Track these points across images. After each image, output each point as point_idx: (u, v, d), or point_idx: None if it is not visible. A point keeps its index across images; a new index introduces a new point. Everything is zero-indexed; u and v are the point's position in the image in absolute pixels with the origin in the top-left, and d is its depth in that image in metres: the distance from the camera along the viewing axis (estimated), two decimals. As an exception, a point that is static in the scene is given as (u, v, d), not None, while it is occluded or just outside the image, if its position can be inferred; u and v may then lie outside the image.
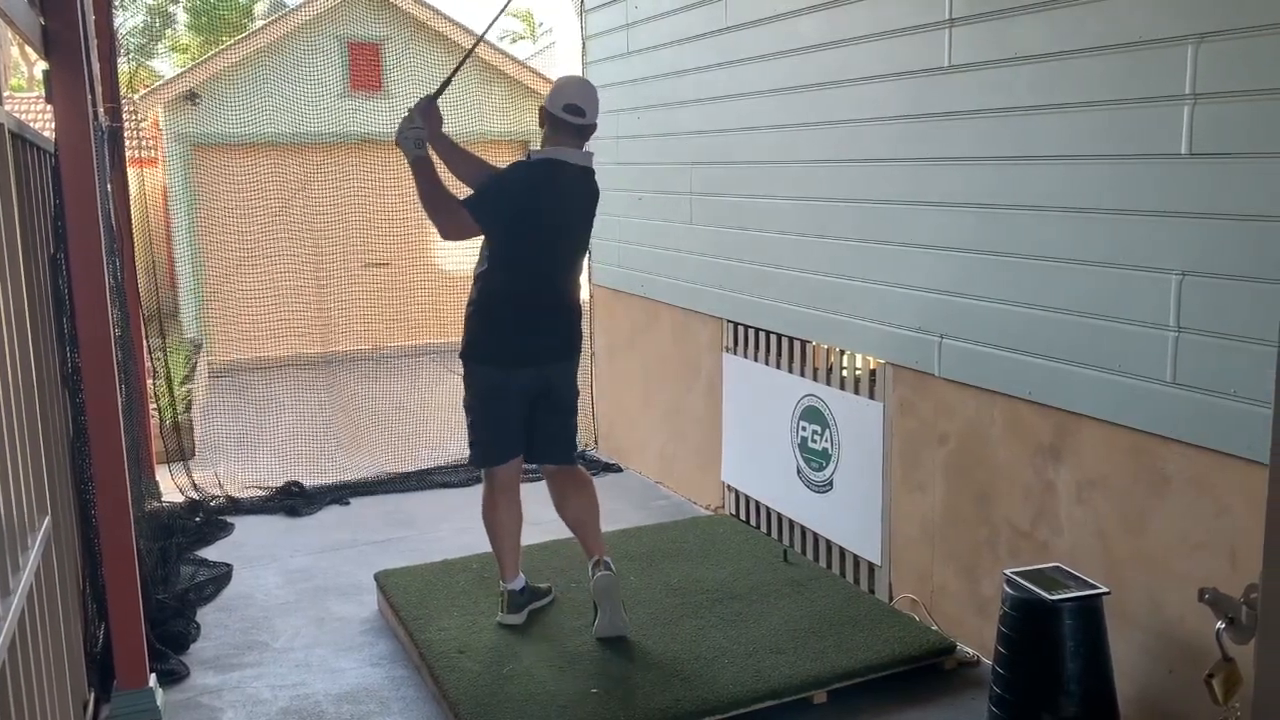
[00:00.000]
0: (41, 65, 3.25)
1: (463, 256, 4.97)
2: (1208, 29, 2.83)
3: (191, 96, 9.93)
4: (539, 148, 3.88)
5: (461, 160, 4.04)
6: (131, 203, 6.10)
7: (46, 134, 3.45)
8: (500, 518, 3.97)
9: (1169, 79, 2.94)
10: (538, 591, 4.11)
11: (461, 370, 3.91)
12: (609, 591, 3.82)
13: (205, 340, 9.98)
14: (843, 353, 4.53)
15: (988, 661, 3.60)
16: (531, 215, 3.74)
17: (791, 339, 4.84)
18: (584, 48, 6.50)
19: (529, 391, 3.85)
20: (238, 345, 9.97)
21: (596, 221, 4.01)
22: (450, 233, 3.76)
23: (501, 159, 4.12)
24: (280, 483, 6.14)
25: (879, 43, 4.03)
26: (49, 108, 3.25)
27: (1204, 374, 2.93)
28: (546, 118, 3.82)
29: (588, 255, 3.91)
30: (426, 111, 3.78)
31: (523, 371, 3.83)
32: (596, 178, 3.93)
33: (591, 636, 3.83)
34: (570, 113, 3.77)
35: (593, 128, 3.85)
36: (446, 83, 3.88)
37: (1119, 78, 3.10)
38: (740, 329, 5.24)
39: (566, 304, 3.90)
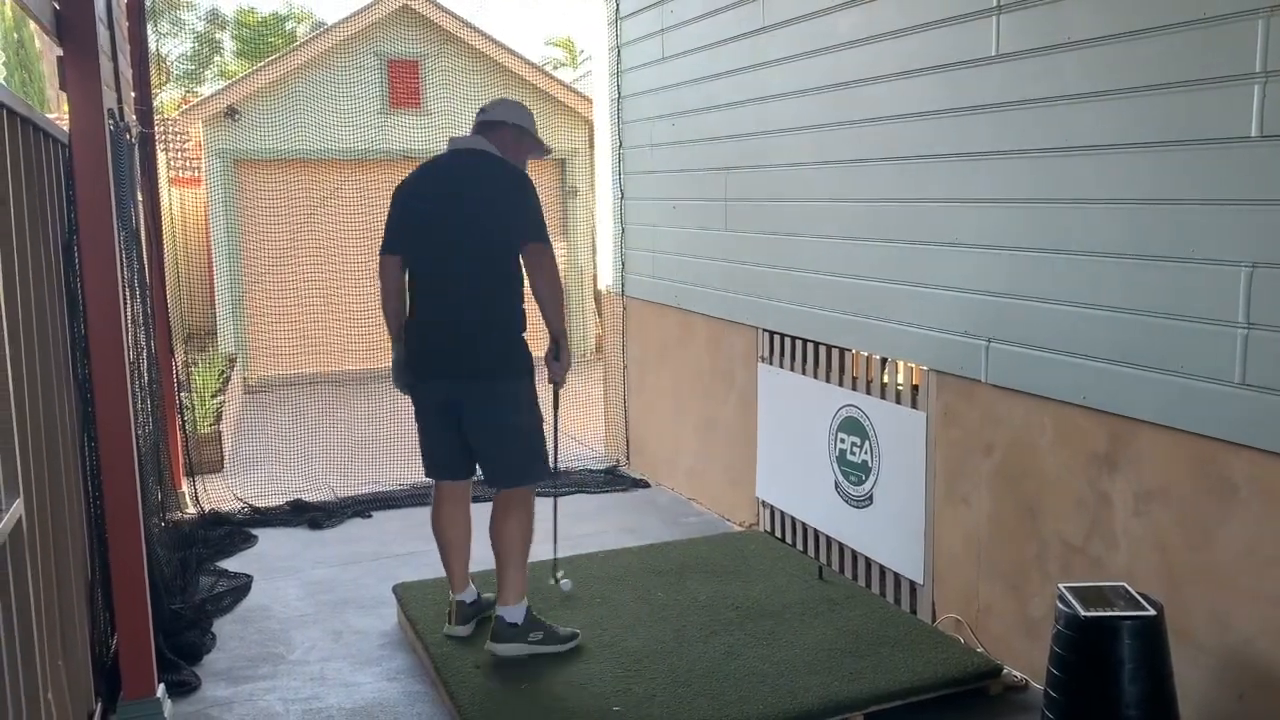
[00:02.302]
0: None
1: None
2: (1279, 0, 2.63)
3: (231, 112, 9.98)
4: None
5: None
6: (172, 220, 6.06)
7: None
8: (438, 529, 3.95)
9: (1237, 56, 2.74)
10: (485, 604, 3.98)
11: None
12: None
13: (240, 354, 9.97)
14: (884, 361, 4.33)
15: (1037, 686, 3.40)
16: (410, 228, 3.75)
17: (830, 347, 4.65)
18: (618, 55, 6.39)
19: (444, 408, 3.74)
20: (273, 360, 9.95)
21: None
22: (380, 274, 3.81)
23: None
24: (307, 496, 6.05)
25: (920, 35, 3.86)
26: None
27: (1277, 373, 2.71)
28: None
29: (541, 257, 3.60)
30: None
31: (433, 386, 3.75)
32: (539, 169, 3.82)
33: (612, 652, 3.67)
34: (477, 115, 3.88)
35: (498, 124, 3.80)
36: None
37: (1181, 58, 2.90)
38: (776, 338, 5.06)
39: (471, 321, 3.65)
